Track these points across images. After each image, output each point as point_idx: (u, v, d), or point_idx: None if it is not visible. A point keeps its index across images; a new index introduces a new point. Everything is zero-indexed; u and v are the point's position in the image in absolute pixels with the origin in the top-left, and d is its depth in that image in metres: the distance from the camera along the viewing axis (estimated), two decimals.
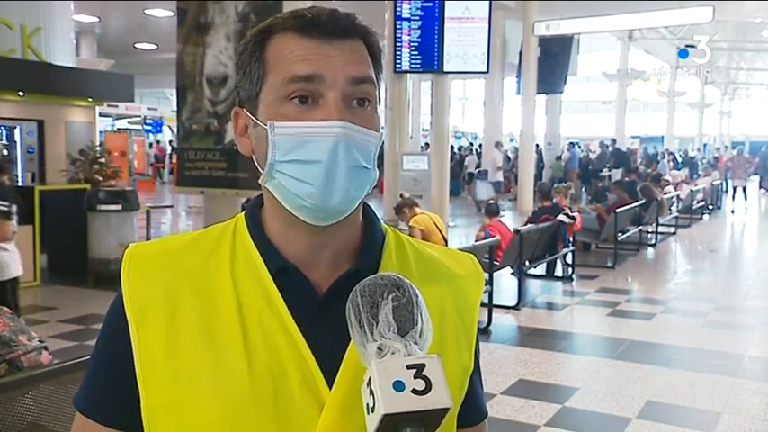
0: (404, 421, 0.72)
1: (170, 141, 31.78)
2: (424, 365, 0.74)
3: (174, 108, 34.13)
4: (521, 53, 17.36)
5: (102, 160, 10.05)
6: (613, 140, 24.88)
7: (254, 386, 0.85)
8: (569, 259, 9.27)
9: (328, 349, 0.86)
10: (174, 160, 25.64)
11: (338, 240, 0.92)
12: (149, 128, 31.88)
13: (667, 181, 15.57)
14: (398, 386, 0.72)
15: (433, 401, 0.72)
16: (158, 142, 31.61)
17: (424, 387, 0.73)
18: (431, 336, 0.80)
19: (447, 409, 0.73)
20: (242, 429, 0.84)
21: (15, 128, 10.32)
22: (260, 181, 0.91)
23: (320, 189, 0.85)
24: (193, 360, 0.86)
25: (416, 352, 0.76)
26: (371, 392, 0.73)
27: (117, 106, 24.76)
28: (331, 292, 0.90)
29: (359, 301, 0.78)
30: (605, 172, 21.01)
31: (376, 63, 0.92)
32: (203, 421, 0.85)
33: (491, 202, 9.32)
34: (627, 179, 15.71)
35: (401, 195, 8.11)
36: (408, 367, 0.74)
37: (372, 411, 0.73)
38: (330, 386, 0.85)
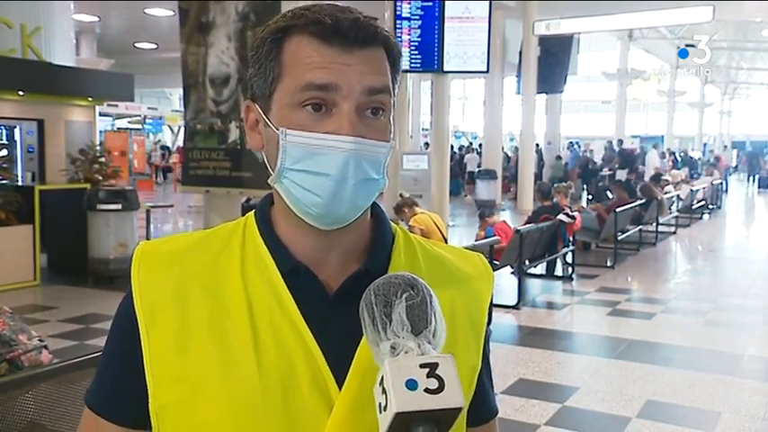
0: (416, 420, 0.72)
1: (157, 141, 31.66)
2: (437, 365, 0.74)
3: (174, 107, 34.04)
4: (521, 53, 17.36)
5: (102, 160, 10.04)
6: (620, 141, 24.96)
7: (263, 385, 0.85)
8: (569, 259, 9.27)
9: (338, 349, 0.86)
10: (175, 160, 25.78)
11: (346, 241, 0.92)
12: (149, 127, 31.88)
13: (667, 180, 15.58)
14: (411, 385, 0.72)
15: (445, 401, 0.72)
16: (158, 142, 31.60)
17: (436, 386, 0.73)
18: (444, 335, 0.79)
19: (460, 409, 0.73)
20: (251, 428, 0.85)
21: (15, 127, 10.30)
22: (269, 181, 0.91)
23: (327, 200, 0.86)
24: (203, 358, 0.86)
25: (430, 351, 0.76)
26: (384, 391, 0.73)
27: (117, 106, 24.74)
28: (341, 293, 0.90)
29: (372, 299, 0.78)
30: (606, 171, 21.01)
31: (394, 69, 0.91)
32: (212, 419, 0.85)
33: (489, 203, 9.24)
34: (628, 179, 15.74)
35: (401, 195, 8.07)
36: (421, 366, 0.74)
37: (385, 410, 0.73)
38: (340, 386, 0.85)
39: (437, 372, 0.73)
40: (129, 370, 0.89)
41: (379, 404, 0.74)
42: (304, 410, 0.85)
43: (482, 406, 1.01)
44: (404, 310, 0.77)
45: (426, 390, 0.72)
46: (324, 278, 0.91)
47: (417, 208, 7.22)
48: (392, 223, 1.00)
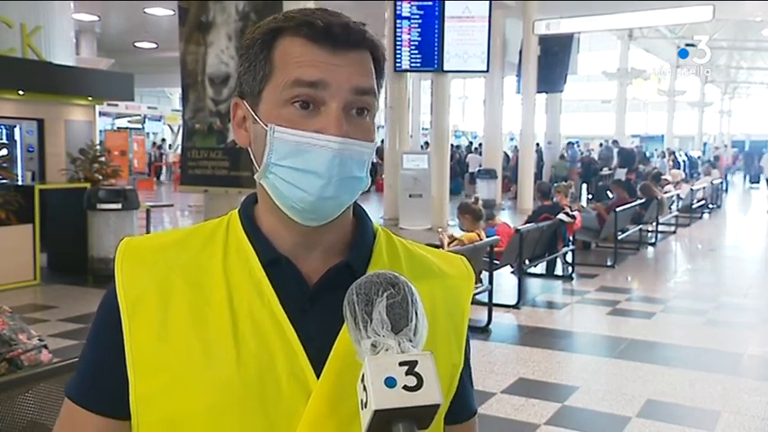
0: (396, 417, 0.73)
1: (159, 141, 31.56)
2: (416, 362, 0.75)
3: (174, 107, 33.91)
4: (521, 52, 17.35)
5: (102, 159, 10.04)
6: (615, 141, 25.03)
7: (241, 375, 0.86)
8: (569, 258, 9.27)
9: (318, 341, 0.88)
10: (173, 160, 25.73)
11: (328, 238, 0.94)
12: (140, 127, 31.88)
13: (667, 180, 15.58)
14: (390, 382, 0.74)
15: (423, 398, 0.74)
16: (163, 141, 31.52)
17: (415, 384, 0.74)
18: (426, 333, 0.81)
19: (438, 406, 0.74)
20: (229, 417, 0.86)
21: (15, 126, 10.30)
22: (255, 177, 0.93)
23: (313, 196, 0.88)
24: (183, 348, 0.87)
25: (410, 349, 0.77)
26: (365, 388, 0.75)
27: (117, 105, 24.73)
28: (321, 285, 0.91)
29: (354, 298, 0.80)
30: (606, 171, 21.01)
31: (379, 74, 0.93)
32: (190, 409, 0.86)
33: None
34: (628, 178, 15.74)
35: (477, 199, 7.72)
36: (401, 364, 0.75)
37: (365, 407, 0.74)
38: (318, 376, 0.87)
39: (416, 369, 0.75)
40: (110, 361, 0.90)
41: (361, 400, 0.76)
42: (282, 400, 0.86)
43: (461, 405, 1.02)
44: (384, 308, 0.78)
45: (405, 387, 0.74)
46: (305, 271, 0.92)
47: (477, 227, 6.98)
48: (374, 223, 1.02)
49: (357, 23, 0.90)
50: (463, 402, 1.02)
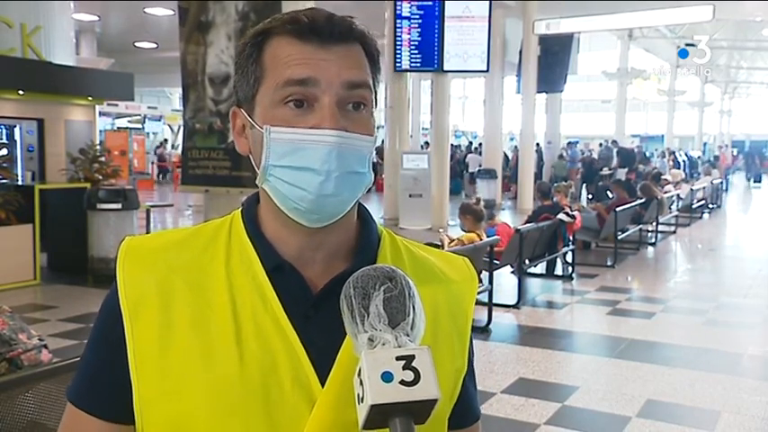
0: (393, 412, 0.73)
1: (162, 141, 31.52)
2: (413, 357, 0.75)
3: (174, 107, 33.76)
4: (521, 52, 17.36)
5: (102, 159, 10.04)
6: (614, 141, 25.05)
7: (244, 381, 0.85)
8: (569, 258, 9.27)
9: (321, 347, 0.87)
10: (173, 160, 25.72)
11: (333, 241, 0.93)
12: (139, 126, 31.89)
13: (667, 180, 15.58)
14: (387, 377, 0.73)
15: (420, 393, 0.73)
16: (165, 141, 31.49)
17: (412, 378, 0.73)
18: (423, 327, 0.80)
19: (435, 401, 0.74)
20: (231, 423, 0.85)
21: (15, 126, 10.31)
22: (257, 182, 0.92)
23: (313, 194, 0.86)
24: (185, 353, 0.87)
25: (407, 344, 0.77)
26: (362, 383, 0.74)
27: (117, 105, 24.73)
28: (325, 292, 0.90)
29: (351, 292, 0.79)
30: (606, 171, 21.01)
31: (373, 66, 0.92)
32: (193, 413, 0.86)
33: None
34: (628, 178, 15.74)
35: (478, 200, 7.72)
36: (397, 359, 0.74)
37: (362, 402, 0.74)
38: (322, 383, 0.86)
39: (413, 364, 0.74)
40: (112, 364, 0.89)
41: (358, 395, 0.75)
42: (285, 406, 0.86)
43: (465, 410, 1.01)
44: (381, 302, 0.78)
45: (402, 382, 0.73)
46: (309, 276, 0.91)
47: (479, 228, 6.98)
48: (379, 225, 1.01)
49: (343, 16, 0.90)
50: (467, 407, 1.02)
